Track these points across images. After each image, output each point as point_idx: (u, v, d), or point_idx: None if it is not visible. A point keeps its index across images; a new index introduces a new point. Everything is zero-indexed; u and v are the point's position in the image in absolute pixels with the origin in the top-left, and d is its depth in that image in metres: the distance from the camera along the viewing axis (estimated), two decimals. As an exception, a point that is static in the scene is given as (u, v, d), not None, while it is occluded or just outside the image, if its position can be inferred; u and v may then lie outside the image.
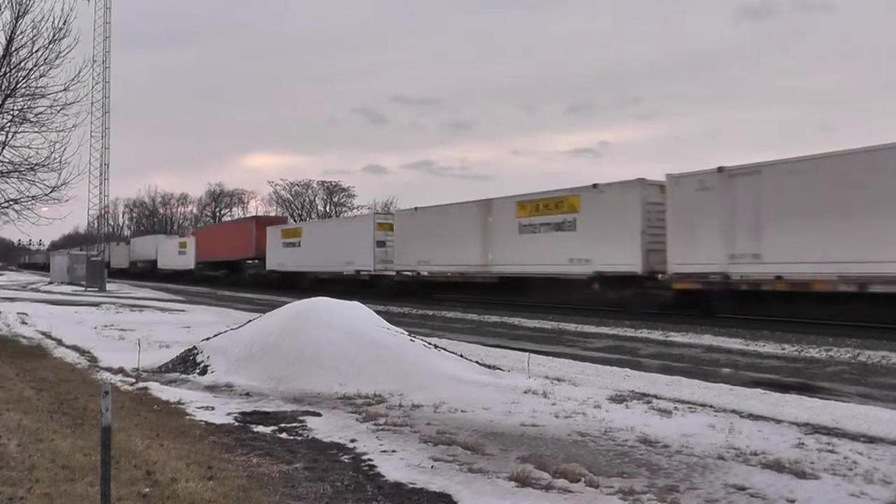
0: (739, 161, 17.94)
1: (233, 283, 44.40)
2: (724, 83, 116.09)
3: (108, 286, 40.46)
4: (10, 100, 13.70)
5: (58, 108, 13.68)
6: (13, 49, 13.34)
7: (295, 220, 79.30)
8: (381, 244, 31.23)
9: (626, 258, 19.99)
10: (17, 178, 14.26)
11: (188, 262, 52.71)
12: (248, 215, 44.23)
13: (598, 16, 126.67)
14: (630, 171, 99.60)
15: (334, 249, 33.38)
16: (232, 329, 11.74)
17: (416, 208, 29.79)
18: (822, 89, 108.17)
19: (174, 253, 56.73)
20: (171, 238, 68.34)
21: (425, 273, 28.63)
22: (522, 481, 4.98)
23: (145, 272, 63.90)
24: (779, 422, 7.05)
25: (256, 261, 42.18)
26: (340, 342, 9.52)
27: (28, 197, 14.45)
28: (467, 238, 26.01)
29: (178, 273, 54.85)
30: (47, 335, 14.49)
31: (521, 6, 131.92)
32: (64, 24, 13.27)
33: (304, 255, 36.51)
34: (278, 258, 38.88)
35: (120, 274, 66.38)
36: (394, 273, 30.25)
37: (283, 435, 6.48)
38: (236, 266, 45.98)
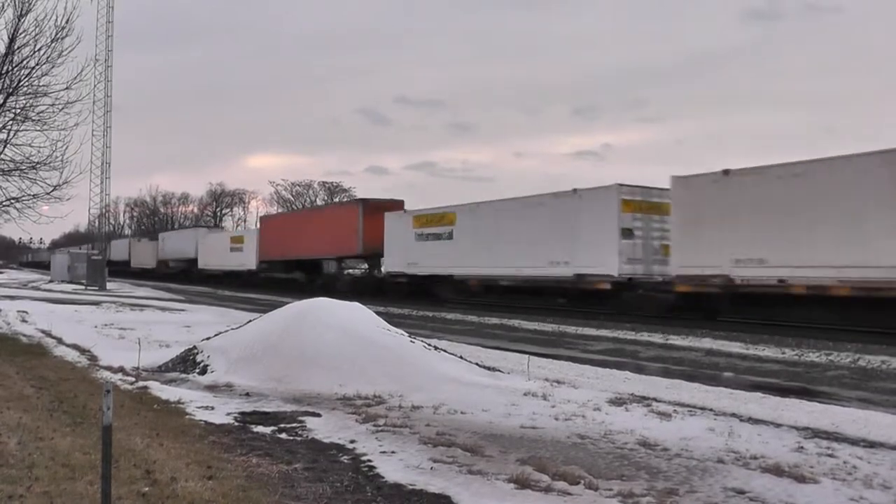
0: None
1: (320, 288, 30.55)
2: (729, 85, 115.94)
3: (109, 285, 40.50)
4: (12, 98, 13.73)
5: (60, 106, 13.72)
6: (16, 47, 13.37)
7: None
8: (627, 234, 20.74)
9: None
10: (19, 176, 14.30)
11: (246, 261, 42.68)
12: (349, 199, 34.65)
13: (602, 17, 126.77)
14: (634, 173, 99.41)
15: (527, 242, 23.00)
16: (232, 329, 11.75)
17: (726, 171, 17.86)
18: (827, 92, 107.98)
19: (223, 250, 46.42)
20: (216, 232, 58.15)
21: (755, 280, 17.03)
22: (522, 483, 4.98)
23: (180, 274, 54.43)
24: (778, 426, 7.04)
25: (363, 260, 32.74)
26: (340, 343, 9.52)
27: (29, 195, 14.50)
28: (869, 217, 14.92)
29: (229, 275, 44.84)
30: (47, 334, 14.50)
31: (524, 7, 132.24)
32: (66, 22, 13.31)
33: (460, 251, 26.00)
34: (409, 255, 28.56)
35: (144, 275, 59.01)
36: (665, 279, 19.93)
37: (283, 435, 6.48)
38: (317, 266, 36.62)
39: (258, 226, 46.17)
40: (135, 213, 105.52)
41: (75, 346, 12.56)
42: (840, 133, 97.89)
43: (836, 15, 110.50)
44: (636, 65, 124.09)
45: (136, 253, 64.67)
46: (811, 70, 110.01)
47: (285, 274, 39.38)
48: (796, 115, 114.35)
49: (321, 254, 35.54)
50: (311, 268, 37.09)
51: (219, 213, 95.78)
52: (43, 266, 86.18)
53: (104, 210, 48.64)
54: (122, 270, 64.09)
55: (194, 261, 51.04)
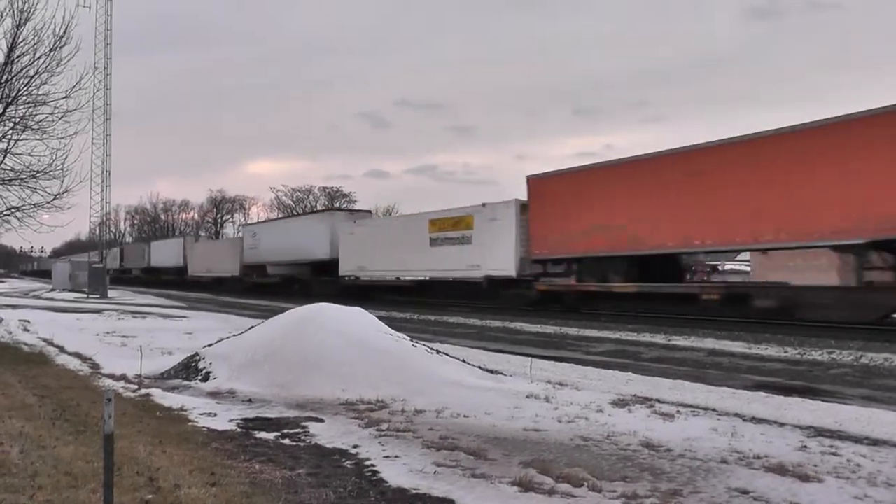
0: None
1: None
2: (731, 84, 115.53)
3: (111, 293, 40.52)
4: (11, 107, 13.76)
5: (59, 115, 13.76)
6: (15, 56, 13.40)
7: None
8: None
9: None
10: (19, 185, 14.32)
11: (483, 261, 23.97)
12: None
13: (603, 18, 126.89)
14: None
15: None
16: (234, 335, 11.74)
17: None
18: (829, 90, 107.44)
19: (410, 246, 27.26)
20: (369, 217, 35.76)
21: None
22: (525, 486, 4.97)
23: (292, 285, 36.09)
24: (781, 425, 7.04)
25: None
26: (343, 348, 9.52)
27: (30, 204, 14.53)
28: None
29: (439, 286, 26.77)
30: (49, 342, 14.49)
31: (524, 9, 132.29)
32: (65, 31, 13.36)
33: None
34: None
35: (214, 288, 43.51)
36: None
37: (286, 441, 6.47)
38: (670, 264, 20.31)
39: (528, 194, 23.20)
40: (135, 221, 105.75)
41: (77, 355, 12.55)
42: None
43: (837, 12, 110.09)
44: (637, 65, 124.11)
45: (196, 256, 49.00)
46: (813, 68, 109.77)
47: (614, 279, 20.75)
48: (798, 114, 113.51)
49: (761, 240, 17.36)
50: (663, 268, 20.09)
51: (219, 220, 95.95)
52: (46, 275, 78.87)
53: (105, 218, 48.13)
54: (172, 281, 51.98)
55: (327, 264, 32.71)
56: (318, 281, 33.95)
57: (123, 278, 64.84)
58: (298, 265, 35.80)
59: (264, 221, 50.46)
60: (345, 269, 31.41)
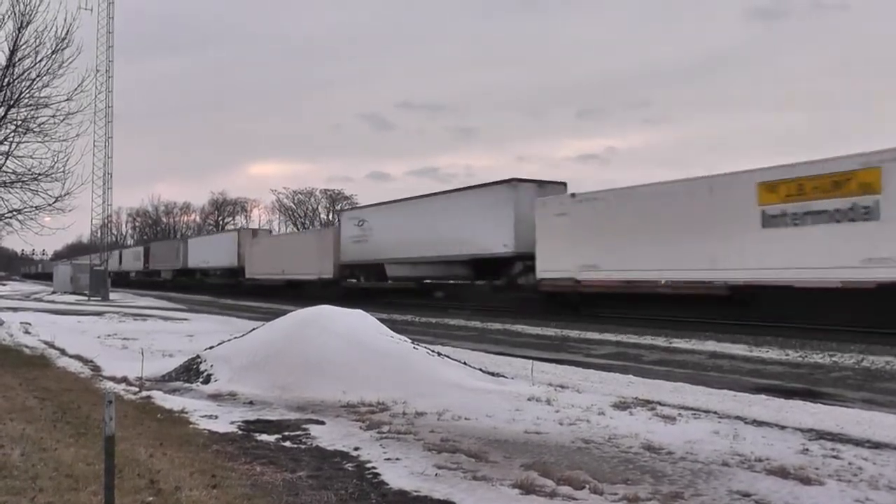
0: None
1: None
2: (734, 86, 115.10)
3: (112, 295, 40.54)
4: (13, 110, 13.79)
5: (61, 117, 13.79)
6: (17, 59, 13.43)
7: (298, 229, 73.25)
8: None
9: None
10: (21, 188, 14.35)
11: None
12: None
13: (608, 20, 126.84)
14: (637, 176, 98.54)
15: None
16: (235, 337, 11.74)
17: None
18: (832, 91, 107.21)
19: (717, 226, 16.64)
20: (557, 189, 23.05)
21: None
22: (526, 489, 4.97)
23: (420, 293, 27.37)
24: (783, 428, 7.03)
25: None
26: (344, 350, 9.52)
27: (31, 207, 14.55)
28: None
29: (824, 300, 14.92)
30: (50, 345, 14.49)
31: (528, 11, 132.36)
32: (67, 33, 13.39)
33: None
34: None
35: (293, 294, 32.77)
36: None
37: (287, 443, 6.47)
38: None
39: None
40: (137, 223, 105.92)
41: (78, 357, 12.55)
42: (845, 133, 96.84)
43: (841, 12, 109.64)
44: (640, 66, 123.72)
45: (258, 254, 38.69)
46: (816, 69, 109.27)
47: None
48: (801, 115, 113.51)
49: None
50: None
51: (221, 222, 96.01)
52: (48, 278, 67.98)
53: (106, 220, 47.87)
54: (222, 285, 42.56)
55: (504, 262, 23.38)
56: (485, 286, 24.24)
57: (149, 282, 56.44)
58: (447, 263, 25.23)
59: (379, 204, 31.28)
60: (548, 268, 21.33)
